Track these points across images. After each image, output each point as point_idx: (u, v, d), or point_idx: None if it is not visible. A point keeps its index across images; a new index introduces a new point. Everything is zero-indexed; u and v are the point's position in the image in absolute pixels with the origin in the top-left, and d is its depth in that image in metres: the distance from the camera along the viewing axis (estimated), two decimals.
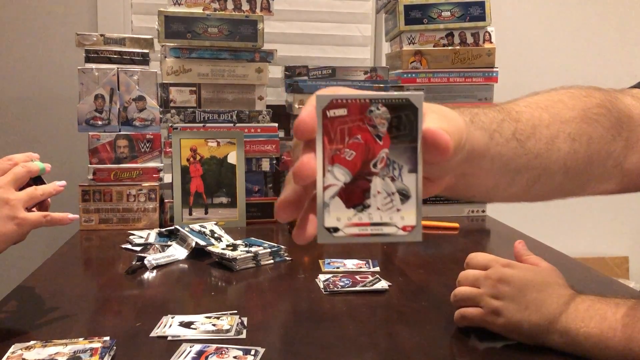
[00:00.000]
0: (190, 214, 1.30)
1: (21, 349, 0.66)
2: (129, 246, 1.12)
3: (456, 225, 1.33)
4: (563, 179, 0.59)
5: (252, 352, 0.66)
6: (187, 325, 0.74)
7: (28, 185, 0.82)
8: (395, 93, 0.41)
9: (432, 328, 0.76)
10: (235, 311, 0.79)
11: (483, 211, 1.46)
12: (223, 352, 0.66)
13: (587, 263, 1.07)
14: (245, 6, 1.36)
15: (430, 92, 1.43)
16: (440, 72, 1.43)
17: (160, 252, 1.07)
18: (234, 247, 1.05)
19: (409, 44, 1.43)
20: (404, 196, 0.41)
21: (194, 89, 1.36)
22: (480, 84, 1.44)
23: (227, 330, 0.73)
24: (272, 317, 0.81)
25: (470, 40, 1.44)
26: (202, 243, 1.07)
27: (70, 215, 0.84)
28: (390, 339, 0.74)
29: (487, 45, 1.44)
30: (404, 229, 0.42)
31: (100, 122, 1.29)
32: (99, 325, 0.77)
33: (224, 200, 1.32)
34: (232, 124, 1.35)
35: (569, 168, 0.58)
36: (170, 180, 1.31)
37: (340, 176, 0.41)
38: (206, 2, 1.34)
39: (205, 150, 1.31)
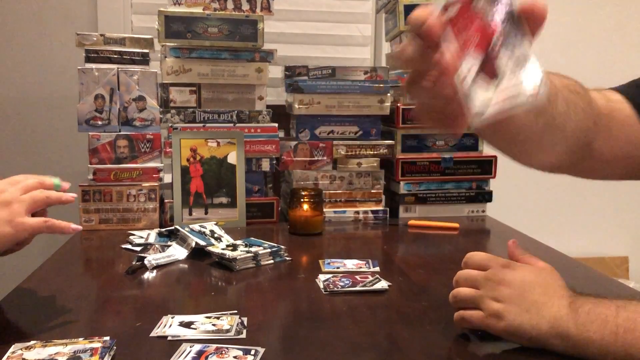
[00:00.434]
0: (190, 214, 1.30)
1: (21, 349, 0.66)
2: (129, 246, 1.12)
3: (456, 225, 1.33)
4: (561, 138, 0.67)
5: (252, 352, 0.66)
6: (187, 325, 0.74)
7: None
8: None
9: (432, 328, 0.76)
10: (235, 311, 0.79)
11: (483, 211, 1.46)
12: (223, 352, 0.66)
13: (587, 263, 1.07)
14: (245, 6, 1.36)
15: None
16: None
17: (160, 252, 1.07)
18: (234, 247, 1.05)
19: None
20: (525, 59, 0.48)
21: (194, 89, 1.36)
22: None
23: (227, 330, 0.73)
24: (272, 317, 0.81)
25: None
26: (202, 243, 1.07)
27: (73, 226, 0.82)
28: (390, 339, 0.75)
29: None
30: (534, 94, 0.47)
31: (100, 122, 1.29)
32: (99, 325, 0.77)
33: (224, 200, 1.32)
34: (232, 124, 1.36)
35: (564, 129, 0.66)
36: (170, 180, 1.31)
37: (475, 59, 0.48)
38: (206, 2, 1.34)
39: (205, 150, 1.31)
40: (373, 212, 1.40)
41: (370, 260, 1.04)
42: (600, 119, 0.71)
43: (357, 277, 0.94)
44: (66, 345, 0.67)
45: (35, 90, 1.70)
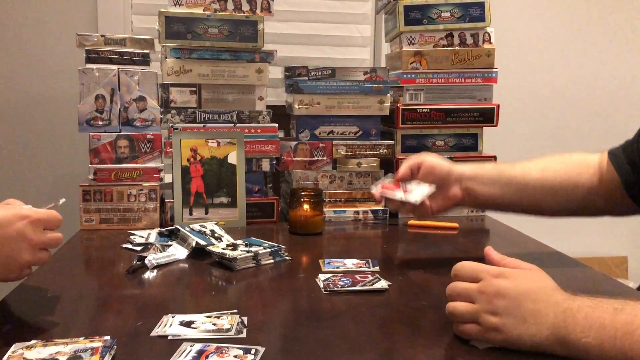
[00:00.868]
0: (190, 213, 1.30)
1: (22, 349, 0.66)
2: (130, 246, 1.13)
3: (456, 225, 1.33)
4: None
5: (253, 352, 0.67)
6: (188, 324, 0.75)
7: None
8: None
9: (432, 328, 0.76)
10: (236, 310, 0.80)
11: (483, 211, 1.46)
12: (223, 352, 0.67)
13: (586, 263, 1.07)
14: (246, 7, 1.36)
15: (429, 92, 1.43)
16: (440, 72, 1.43)
17: (161, 251, 1.07)
18: (234, 247, 1.05)
19: (409, 44, 1.43)
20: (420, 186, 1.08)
21: (195, 89, 1.37)
22: (479, 85, 1.45)
23: (228, 330, 0.73)
24: (272, 316, 0.81)
25: (469, 40, 1.44)
26: (202, 243, 1.08)
27: None
28: (390, 338, 0.75)
29: (486, 46, 1.44)
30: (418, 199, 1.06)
31: (100, 123, 1.30)
32: (99, 324, 0.78)
33: (224, 200, 1.32)
34: (232, 125, 1.36)
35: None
36: (171, 180, 1.31)
37: (396, 191, 1.07)
38: (206, 2, 1.34)
39: (205, 150, 1.31)
40: (373, 212, 1.40)
41: (370, 260, 1.04)
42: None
43: (357, 276, 0.94)
44: (67, 345, 0.67)
45: (36, 91, 1.71)
